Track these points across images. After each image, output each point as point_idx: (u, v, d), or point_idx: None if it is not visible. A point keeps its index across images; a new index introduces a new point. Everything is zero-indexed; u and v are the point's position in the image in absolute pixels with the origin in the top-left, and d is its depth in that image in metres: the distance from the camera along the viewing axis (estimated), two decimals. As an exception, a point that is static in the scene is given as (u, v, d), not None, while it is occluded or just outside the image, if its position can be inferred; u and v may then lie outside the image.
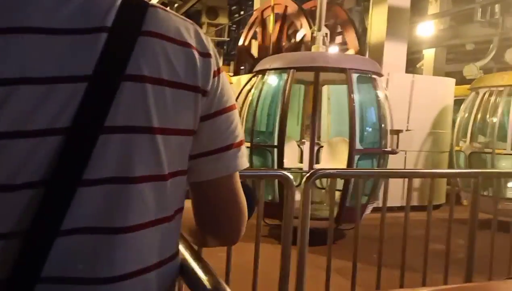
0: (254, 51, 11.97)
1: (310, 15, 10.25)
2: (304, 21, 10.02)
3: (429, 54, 14.78)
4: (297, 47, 10.33)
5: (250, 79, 6.72)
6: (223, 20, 18.82)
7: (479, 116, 7.49)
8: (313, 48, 6.62)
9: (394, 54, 8.48)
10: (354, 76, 5.75)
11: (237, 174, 0.92)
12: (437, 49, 14.87)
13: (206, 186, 0.91)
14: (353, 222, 4.46)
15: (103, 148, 0.74)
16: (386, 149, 5.91)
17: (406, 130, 8.09)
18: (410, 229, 2.85)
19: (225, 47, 20.66)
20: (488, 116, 7.50)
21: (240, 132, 0.93)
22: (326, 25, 7.07)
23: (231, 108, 0.91)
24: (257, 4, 14.14)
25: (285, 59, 6.43)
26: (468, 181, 6.75)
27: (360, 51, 9.78)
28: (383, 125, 6.03)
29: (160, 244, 0.83)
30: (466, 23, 11.81)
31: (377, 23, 8.69)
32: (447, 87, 8.68)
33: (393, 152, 5.98)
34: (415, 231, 3.08)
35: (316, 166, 6.71)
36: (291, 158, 6.63)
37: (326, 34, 6.76)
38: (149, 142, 0.79)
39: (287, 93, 5.77)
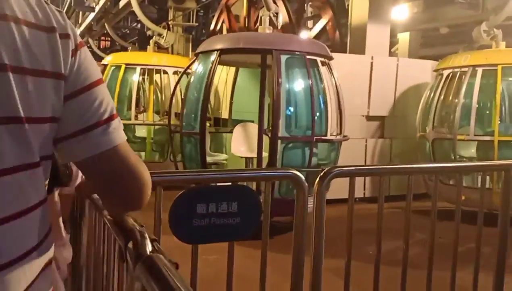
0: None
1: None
2: (279, 2, 9.49)
3: (403, 38, 14.57)
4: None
5: (191, 63, 6.36)
6: (190, 4, 18.03)
7: (441, 99, 6.84)
8: (260, 29, 6.22)
9: (377, 37, 8.08)
10: (283, 58, 5.30)
11: (120, 147, 0.91)
12: (412, 33, 14.66)
13: (85, 165, 0.92)
14: (285, 215, 4.40)
15: None
16: (323, 137, 5.46)
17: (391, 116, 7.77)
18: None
19: (193, 32, 19.91)
20: (450, 100, 6.91)
21: (107, 107, 0.90)
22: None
23: (92, 85, 0.89)
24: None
25: (212, 42, 6.04)
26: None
27: (341, 34, 9.38)
28: (328, 111, 5.58)
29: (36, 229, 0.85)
30: (443, 5, 11.57)
31: (358, 4, 8.26)
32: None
33: (329, 140, 5.52)
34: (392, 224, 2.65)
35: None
36: (245, 144, 6.32)
37: (276, 14, 6.32)
38: (19, 132, 0.79)
39: (211, 77, 5.45)
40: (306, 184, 2.29)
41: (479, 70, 6.40)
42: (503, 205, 2.79)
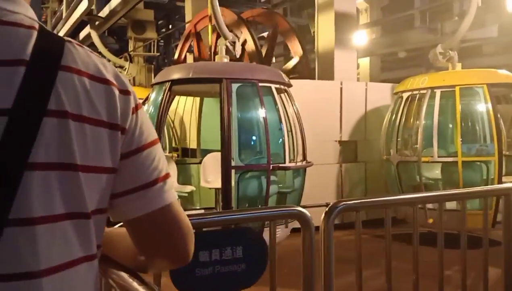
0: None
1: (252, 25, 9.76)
2: (245, 30, 9.48)
3: (364, 63, 14.87)
4: (239, 59, 9.78)
5: (148, 95, 6.27)
6: (151, 34, 17.89)
7: (403, 122, 6.76)
8: (216, 58, 6.21)
9: (345, 62, 8.13)
10: (234, 86, 5.28)
11: (174, 204, 0.93)
12: (372, 58, 15.00)
13: (138, 222, 0.92)
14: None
15: (25, 186, 0.75)
16: (281, 164, 5.34)
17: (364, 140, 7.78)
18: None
19: (154, 63, 19.72)
20: (411, 121, 6.84)
21: (163, 166, 0.94)
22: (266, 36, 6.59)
23: (152, 143, 0.93)
24: (188, 17, 13.51)
25: (165, 73, 5.97)
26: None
27: (307, 60, 9.42)
28: (285, 138, 5.47)
29: (83, 283, 0.84)
30: (403, 30, 11.91)
31: (324, 31, 8.33)
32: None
33: (286, 168, 5.42)
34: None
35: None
36: (213, 175, 6.17)
37: (234, 43, 6.33)
38: (72, 180, 0.80)
39: (163, 108, 5.39)
40: (313, 223, 2.13)
41: (438, 92, 6.41)
42: (505, 229, 2.72)
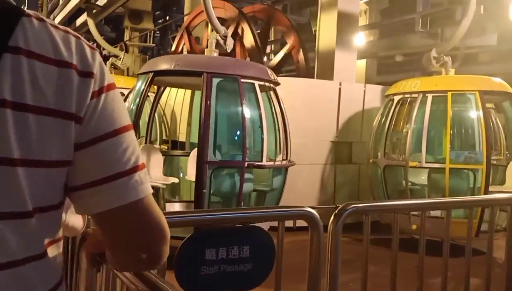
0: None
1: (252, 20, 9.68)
2: (245, 25, 9.40)
3: (360, 65, 14.84)
4: (230, 53, 9.69)
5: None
6: (147, 25, 17.72)
7: (392, 125, 6.64)
8: (206, 52, 6.18)
9: (345, 63, 8.09)
10: (215, 81, 5.23)
11: (145, 199, 0.84)
12: (368, 60, 14.99)
13: (103, 217, 0.85)
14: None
15: None
16: (257, 162, 5.28)
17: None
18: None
19: (149, 54, 19.55)
20: (401, 126, 6.70)
21: (133, 157, 0.84)
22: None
23: (119, 131, 0.83)
24: (187, 9, 13.41)
25: (151, 63, 5.95)
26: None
27: (306, 59, 9.36)
28: (264, 137, 5.38)
29: (26, 285, 0.78)
30: (402, 34, 11.89)
31: (326, 30, 8.27)
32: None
33: (262, 166, 5.31)
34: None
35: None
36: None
37: (225, 37, 6.26)
38: (7, 176, 0.73)
39: (141, 99, 5.39)
40: (322, 223, 2.07)
41: (429, 97, 6.28)
42: (508, 239, 2.68)
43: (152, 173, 5.78)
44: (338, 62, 8.00)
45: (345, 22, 8.15)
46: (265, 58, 10.76)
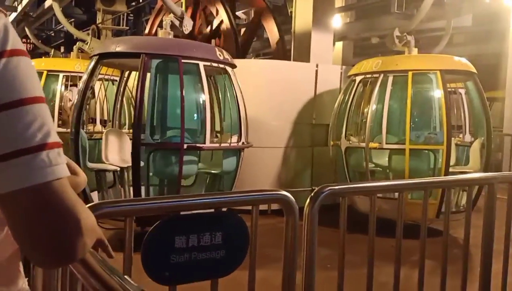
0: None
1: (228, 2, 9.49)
2: (220, 7, 9.22)
3: (337, 47, 14.80)
4: (213, 35, 9.52)
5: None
6: (120, 7, 17.30)
7: (353, 107, 6.45)
8: (160, 34, 6.11)
9: (321, 44, 8.00)
10: (154, 62, 5.22)
11: (51, 184, 0.74)
12: (345, 42, 14.94)
13: (4, 201, 0.74)
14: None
15: None
16: (200, 144, 5.25)
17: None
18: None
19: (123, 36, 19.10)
20: (362, 107, 6.47)
21: (40, 134, 0.74)
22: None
23: (19, 102, 0.73)
24: (161, -10, 13.08)
25: (99, 47, 5.90)
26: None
27: (282, 41, 9.25)
28: (206, 118, 5.29)
29: None
30: (377, 16, 11.84)
31: (302, 11, 8.15)
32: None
33: (200, 148, 5.28)
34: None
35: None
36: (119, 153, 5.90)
37: (181, 18, 6.23)
38: None
39: (86, 81, 5.39)
40: (297, 207, 2.00)
41: (390, 77, 6.10)
42: (486, 220, 2.66)
43: (110, 157, 5.67)
44: (315, 44, 7.91)
45: (321, 3, 8.04)
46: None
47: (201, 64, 5.29)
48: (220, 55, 5.51)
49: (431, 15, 8.90)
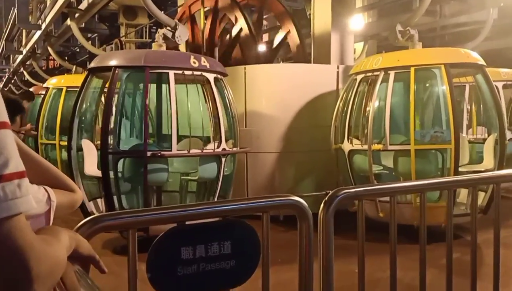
0: (182, 49, 11.03)
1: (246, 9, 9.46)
2: (238, 14, 9.19)
3: (360, 47, 14.59)
4: (233, 43, 9.49)
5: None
6: (142, 20, 17.54)
7: (355, 108, 6.11)
8: (153, 46, 6.37)
9: (342, 46, 7.88)
10: (125, 73, 5.65)
11: (4, 223, 0.65)
12: (369, 42, 14.70)
13: None
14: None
15: None
16: (164, 151, 5.39)
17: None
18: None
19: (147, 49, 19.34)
20: (364, 106, 6.09)
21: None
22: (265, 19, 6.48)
23: None
24: (181, 1, 13.18)
25: (96, 60, 6.07)
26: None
27: (302, 44, 9.15)
28: (173, 126, 5.41)
29: None
30: (398, 13, 11.60)
31: (320, 13, 8.05)
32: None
33: (163, 155, 5.35)
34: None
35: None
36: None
37: (174, 30, 6.34)
38: None
39: (82, 96, 5.77)
40: (311, 212, 1.91)
41: (392, 74, 5.70)
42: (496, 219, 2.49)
43: (87, 167, 5.85)
44: (335, 45, 7.79)
45: (340, 4, 7.92)
46: (264, 47, 10.54)
47: (171, 73, 5.43)
48: (195, 63, 5.57)
49: (455, 10, 8.67)
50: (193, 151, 5.49)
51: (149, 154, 5.17)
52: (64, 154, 7.33)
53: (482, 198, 5.43)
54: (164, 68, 5.45)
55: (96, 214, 1.54)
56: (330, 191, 2.02)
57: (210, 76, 5.72)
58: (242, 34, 9.00)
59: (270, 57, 9.55)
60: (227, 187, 5.99)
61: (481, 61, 5.84)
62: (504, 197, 2.44)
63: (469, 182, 2.36)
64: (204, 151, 5.56)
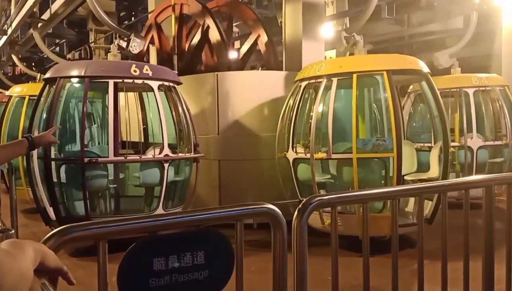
0: (153, 57, 10.93)
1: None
2: (210, 20, 9.17)
3: (330, 56, 14.77)
4: (200, 44, 9.45)
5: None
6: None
7: (299, 115, 6.03)
8: (109, 57, 6.66)
9: (312, 53, 7.94)
10: (68, 84, 6.11)
11: None
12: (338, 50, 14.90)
13: None
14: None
15: None
16: (101, 158, 5.65)
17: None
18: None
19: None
20: (307, 114, 6.02)
21: None
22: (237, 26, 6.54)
23: None
24: (151, 7, 13.08)
25: (51, 70, 6.27)
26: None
27: (274, 52, 9.18)
28: (110, 133, 5.73)
29: None
30: (368, 22, 11.80)
31: (291, 21, 8.11)
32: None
33: (101, 162, 5.62)
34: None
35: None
36: None
37: (129, 40, 6.72)
38: None
39: (41, 104, 5.97)
40: (284, 221, 1.89)
41: (334, 80, 5.61)
42: (487, 222, 2.54)
43: None
44: (306, 53, 7.85)
45: (311, 12, 8.00)
46: (236, 54, 10.55)
47: (111, 82, 5.68)
48: (135, 72, 5.73)
49: (422, 19, 8.87)
50: (130, 157, 5.79)
51: (86, 160, 5.40)
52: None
53: (428, 207, 5.40)
54: (104, 78, 5.70)
55: (64, 226, 1.49)
56: (304, 198, 2.01)
57: (154, 84, 5.84)
58: (213, 40, 8.99)
59: (241, 63, 9.56)
60: (182, 192, 6.20)
61: (425, 68, 5.78)
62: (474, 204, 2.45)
63: (418, 190, 2.36)
64: (143, 157, 5.74)
